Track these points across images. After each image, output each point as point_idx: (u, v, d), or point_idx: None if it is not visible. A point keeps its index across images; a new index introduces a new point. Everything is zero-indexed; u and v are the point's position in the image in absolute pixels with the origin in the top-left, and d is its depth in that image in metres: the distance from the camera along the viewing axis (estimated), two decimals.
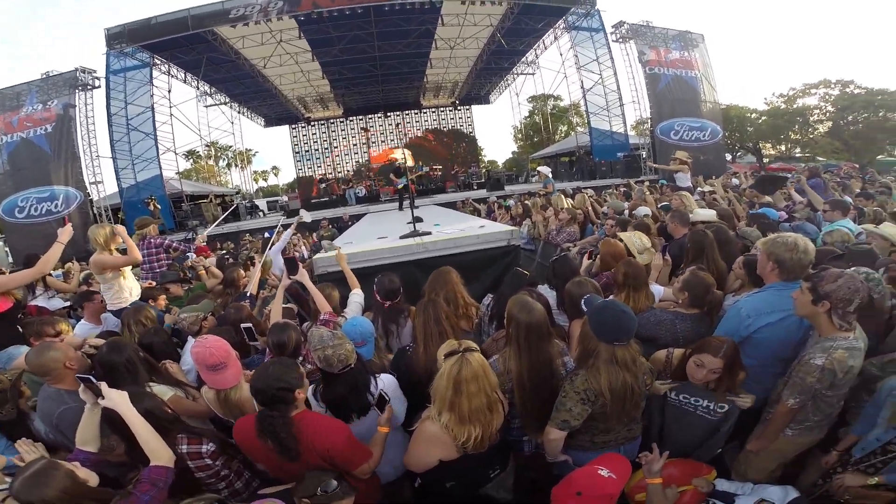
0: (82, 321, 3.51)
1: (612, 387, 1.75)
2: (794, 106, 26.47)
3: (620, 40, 17.06)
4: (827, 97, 25.13)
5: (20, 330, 2.76)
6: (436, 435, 1.72)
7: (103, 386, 1.67)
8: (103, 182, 15.47)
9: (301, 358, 2.31)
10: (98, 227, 3.54)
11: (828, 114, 25.26)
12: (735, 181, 9.40)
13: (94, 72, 14.99)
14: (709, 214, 3.91)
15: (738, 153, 30.88)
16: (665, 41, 17.20)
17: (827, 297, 1.74)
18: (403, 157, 19.03)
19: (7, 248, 14.55)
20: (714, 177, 12.06)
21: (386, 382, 2.07)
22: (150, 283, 4.06)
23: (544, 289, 2.93)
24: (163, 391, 2.12)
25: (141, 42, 14.27)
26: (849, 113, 23.53)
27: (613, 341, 1.76)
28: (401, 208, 11.20)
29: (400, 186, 11.30)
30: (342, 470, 1.73)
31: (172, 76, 16.87)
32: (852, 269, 1.94)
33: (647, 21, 17.12)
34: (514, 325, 2.00)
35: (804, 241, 2.08)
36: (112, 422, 1.69)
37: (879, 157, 24.28)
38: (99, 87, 15.00)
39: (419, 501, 2.06)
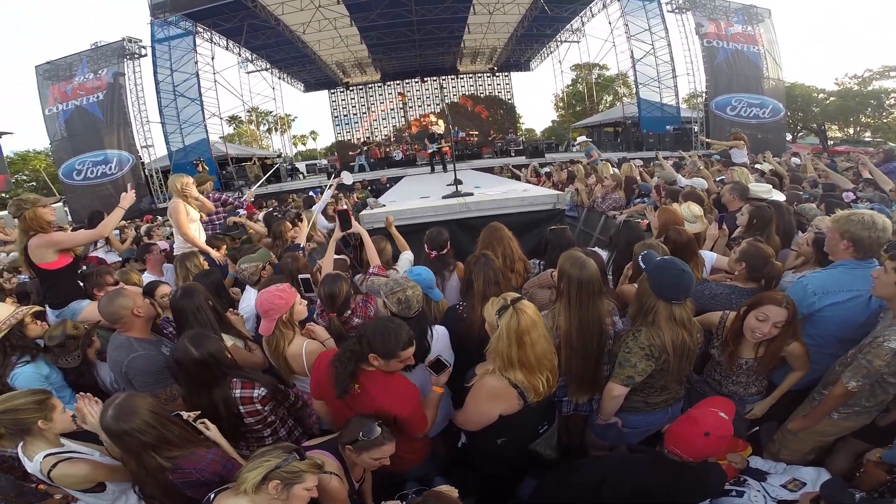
0: (146, 272, 3.73)
1: (673, 343, 1.77)
2: (869, 88, 24.50)
3: (676, 11, 15.98)
4: None
5: (80, 284, 2.89)
6: (500, 389, 1.68)
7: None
8: (154, 146, 16.20)
9: (349, 311, 2.33)
10: (174, 177, 3.79)
11: None
12: (796, 160, 8.77)
13: (140, 41, 15.49)
14: (765, 189, 3.74)
15: (801, 133, 28.70)
16: (726, 14, 15.98)
17: None
18: (437, 123, 18.76)
19: (66, 209, 15.46)
20: (772, 154, 11.33)
21: (439, 334, 2.10)
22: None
23: (598, 251, 2.87)
24: (225, 339, 2.20)
25: (183, 10, 14.59)
26: None
27: (672, 300, 1.77)
28: (432, 171, 11.21)
29: (431, 151, 11.27)
30: (400, 432, 1.74)
31: (215, 43, 17.18)
32: None
33: None
34: (565, 279, 1.97)
35: (882, 218, 1.98)
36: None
37: None
38: (146, 55, 15.52)
39: (461, 460, 2.12)
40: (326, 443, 1.73)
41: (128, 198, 3.18)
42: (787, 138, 22.74)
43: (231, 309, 2.66)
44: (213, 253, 3.66)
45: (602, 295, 2.01)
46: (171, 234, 4.76)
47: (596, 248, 2.96)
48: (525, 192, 4.67)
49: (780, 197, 3.72)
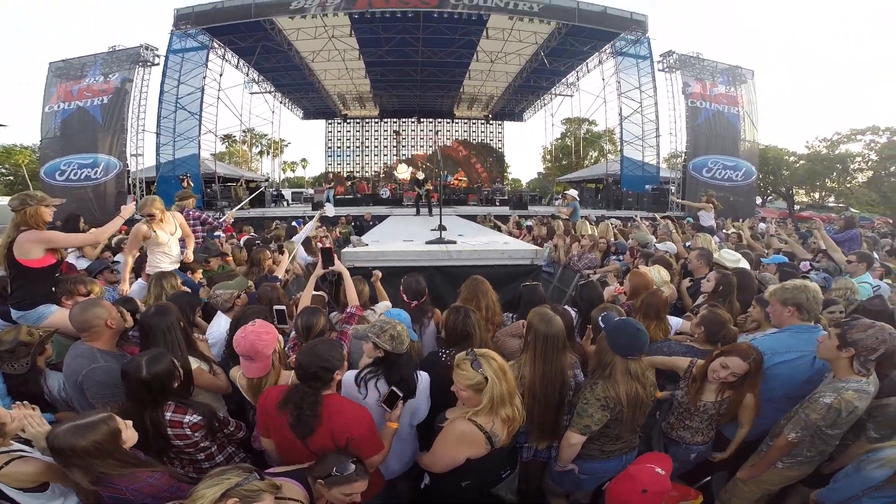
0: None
1: (627, 395, 1.92)
2: (836, 152, 25.30)
3: (667, 70, 16.85)
4: (872, 144, 24.06)
5: (52, 289, 2.79)
6: (470, 434, 1.74)
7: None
8: (143, 155, 16.09)
9: None
10: (147, 197, 3.75)
11: (870, 162, 24.22)
12: (763, 226, 9.29)
13: (157, 49, 15.73)
14: (734, 259, 3.99)
15: (770, 197, 29.89)
16: (713, 74, 16.86)
17: (853, 345, 1.85)
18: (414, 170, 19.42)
19: None
20: (742, 219, 11.90)
21: (424, 380, 2.16)
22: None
23: (569, 309, 3.01)
24: (191, 361, 2.19)
25: (205, 25, 15.05)
26: (892, 163, 22.52)
27: (628, 355, 1.94)
28: (417, 213, 11.42)
29: (422, 195, 11.57)
30: (353, 455, 1.77)
31: (226, 61, 17.59)
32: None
33: (698, 52, 16.88)
34: (533, 333, 2.13)
35: (810, 283, 2.28)
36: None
37: None
38: (157, 64, 15.68)
39: (423, 501, 2.12)
40: (295, 471, 1.72)
41: (128, 209, 3.17)
42: (757, 202, 23.88)
43: (196, 335, 2.63)
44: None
45: (566, 349, 2.16)
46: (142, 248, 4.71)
47: (568, 307, 3.07)
48: (506, 245, 4.84)
49: (746, 265, 3.96)
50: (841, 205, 25.56)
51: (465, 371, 1.73)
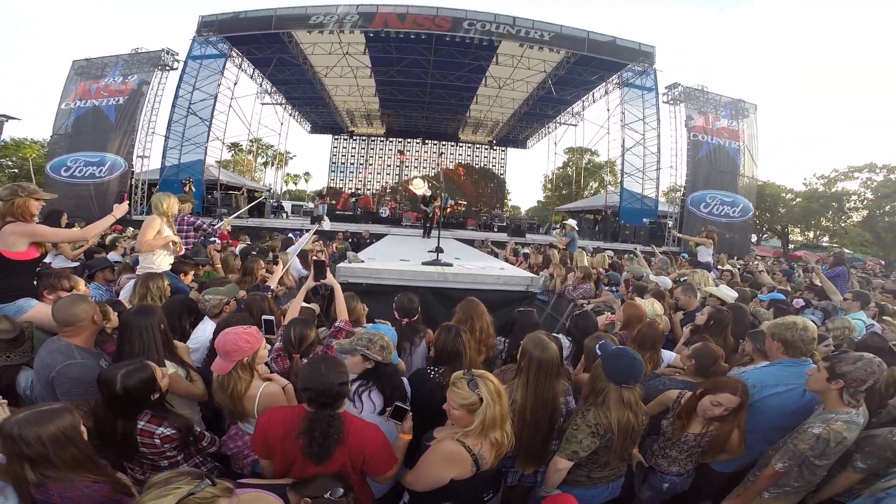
0: (93, 284, 3.66)
1: (619, 423, 1.91)
2: (833, 189, 24.88)
3: (671, 102, 16.95)
4: (869, 182, 23.65)
5: (34, 283, 2.75)
6: (457, 454, 1.71)
7: None
8: (149, 157, 16.36)
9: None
10: (163, 195, 3.79)
11: (865, 201, 23.87)
12: (758, 264, 9.34)
13: (177, 54, 16.19)
14: (728, 294, 4.05)
15: (765, 235, 29.94)
16: (716, 108, 16.96)
17: (842, 377, 1.88)
18: (428, 187, 19.56)
19: None
20: (736, 257, 11.95)
21: (408, 385, 2.19)
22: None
23: (561, 337, 3.01)
24: (168, 366, 2.15)
25: (227, 33, 15.58)
26: (888, 202, 22.17)
27: (622, 383, 1.94)
28: (426, 235, 11.39)
29: (430, 214, 11.54)
30: (369, 472, 1.77)
31: (242, 70, 18.06)
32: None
33: (703, 85, 17.04)
34: (526, 359, 2.12)
35: (803, 320, 2.33)
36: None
37: None
38: (176, 68, 16.13)
39: None
40: (275, 485, 1.66)
41: (121, 208, 3.13)
42: (753, 239, 23.92)
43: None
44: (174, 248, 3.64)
45: (559, 376, 2.16)
46: (133, 248, 4.65)
47: (560, 335, 3.06)
48: (502, 271, 4.84)
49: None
50: (835, 245, 25.53)
51: (460, 390, 1.72)
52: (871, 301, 4.29)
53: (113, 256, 4.95)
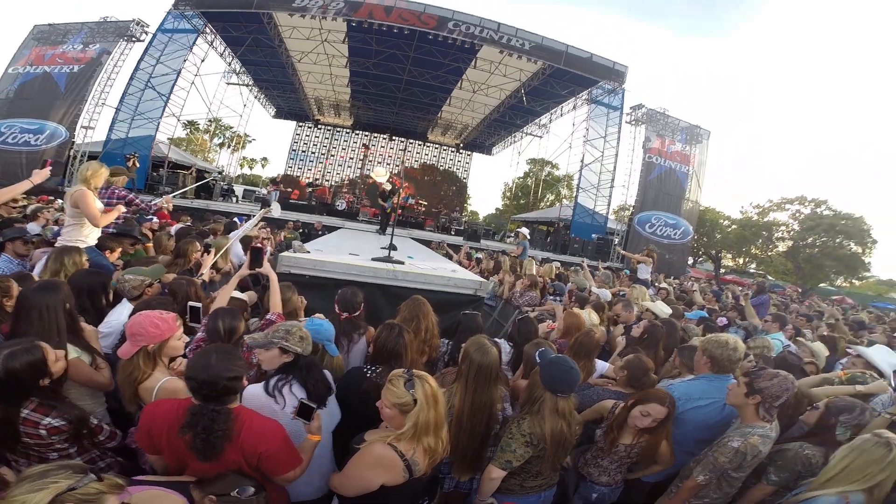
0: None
1: (552, 433, 1.91)
2: (766, 219, 27.15)
3: (633, 122, 17.59)
4: (797, 215, 25.84)
5: None
6: (387, 459, 1.64)
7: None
8: (94, 129, 15.33)
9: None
10: (93, 163, 3.46)
11: (791, 232, 26.08)
12: (692, 285, 10.00)
13: (148, 25, 15.39)
14: (663, 310, 4.31)
15: (700, 258, 32.16)
16: (673, 132, 17.77)
17: (760, 392, 1.99)
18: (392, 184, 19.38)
19: None
20: (673, 277, 12.70)
21: (329, 378, 2.09)
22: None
23: (502, 342, 3.01)
24: (70, 351, 1.95)
25: (206, 9, 14.75)
26: (810, 235, 24.26)
27: (558, 392, 1.95)
28: (381, 232, 11.18)
29: (388, 210, 11.31)
30: (267, 473, 1.64)
31: (213, 48, 17.19)
32: None
33: (665, 109, 17.79)
34: (467, 363, 2.10)
35: (735, 340, 2.44)
36: None
37: (822, 284, 25.44)
38: (143, 40, 15.35)
39: None
40: (177, 483, 1.53)
41: (41, 174, 2.87)
42: (689, 262, 25.75)
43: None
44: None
45: (497, 382, 2.14)
46: (58, 220, 4.23)
47: (502, 340, 3.08)
48: (453, 273, 4.78)
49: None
50: (760, 271, 27.90)
51: (395, 388, 1.65)
52: (788, 323, 4.78)
53: (33, 228, 4.47)
